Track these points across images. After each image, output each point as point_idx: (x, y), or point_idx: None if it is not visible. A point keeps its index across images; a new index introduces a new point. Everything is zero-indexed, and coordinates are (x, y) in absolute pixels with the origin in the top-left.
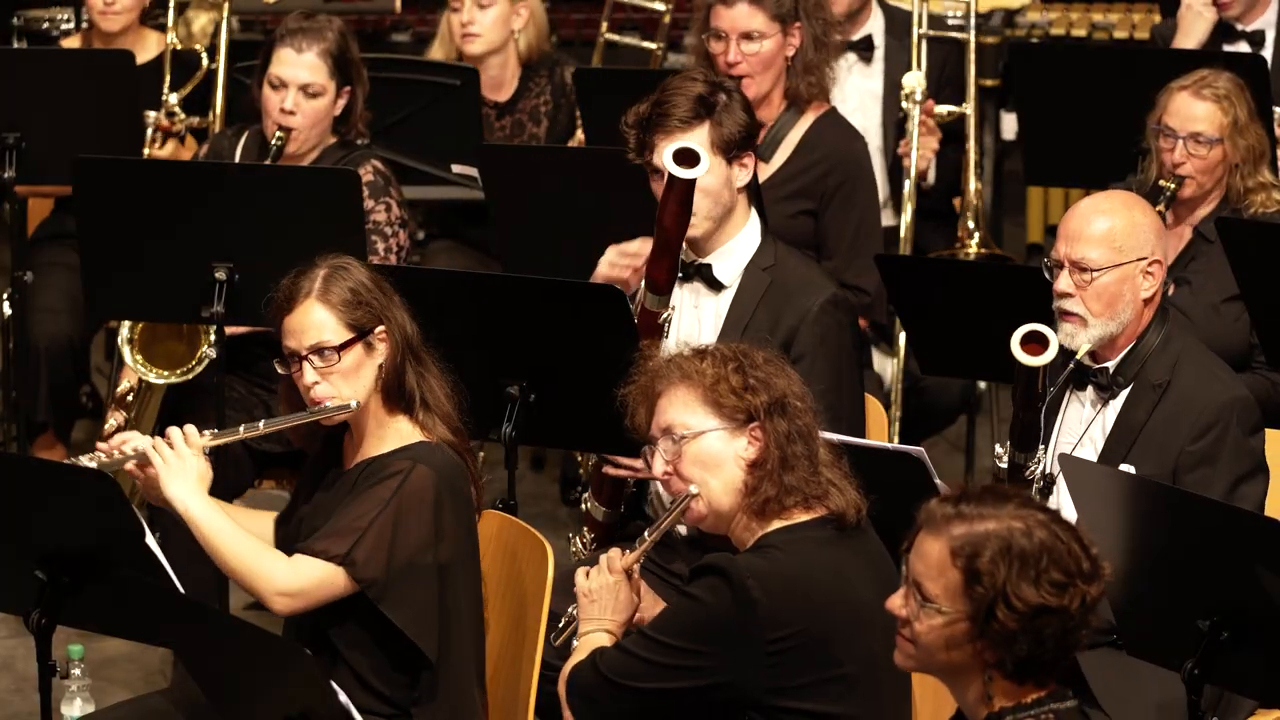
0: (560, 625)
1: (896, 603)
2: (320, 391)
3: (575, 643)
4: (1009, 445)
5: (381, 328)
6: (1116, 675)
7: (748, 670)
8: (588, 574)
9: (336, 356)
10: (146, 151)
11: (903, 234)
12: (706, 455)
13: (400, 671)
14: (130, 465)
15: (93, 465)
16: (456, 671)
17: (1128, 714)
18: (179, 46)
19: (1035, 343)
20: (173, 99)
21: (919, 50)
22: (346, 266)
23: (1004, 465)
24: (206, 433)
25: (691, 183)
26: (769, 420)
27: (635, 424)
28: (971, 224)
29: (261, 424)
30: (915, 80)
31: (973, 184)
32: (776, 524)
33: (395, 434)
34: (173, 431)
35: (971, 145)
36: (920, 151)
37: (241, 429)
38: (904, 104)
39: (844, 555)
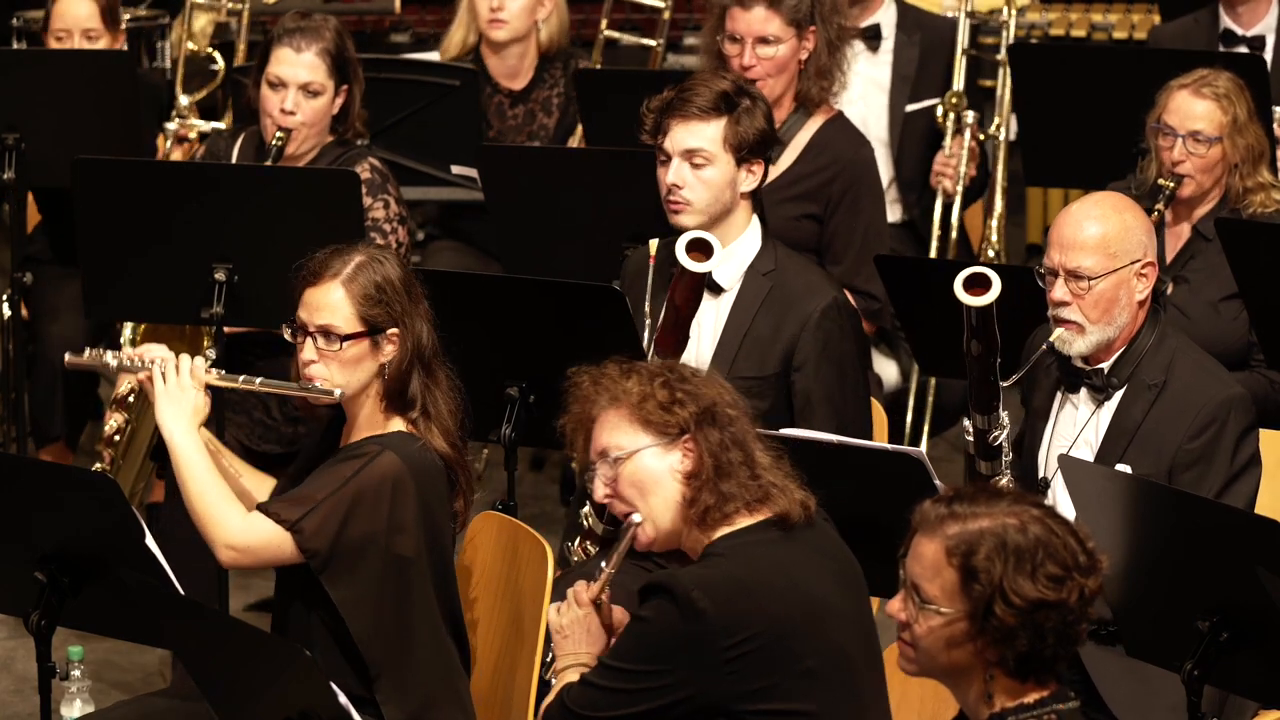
0: (547, 660)
1: (895, 606)
2: (313, 370)
3: (553, 680)
4: (971, 411)
5: (395, 330)
6: (1126, 678)
7: (709, 681)
8: (559, 610)
9: (339, 344)
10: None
11: (934, 243)
12: (643, 473)
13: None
14: (141, 376)
15: (114, 364)
16: (428, 661)
17: (1142, 715)
18: (193, 48)
19: (978, 286)
20: (184, 101)
21: (960, 68)
22: (383, 260)
23: (971, 439)
24: (214, 370)
25: (703, 276)
26: (700, 431)
27: (576, 454)
28: (992, 254)
29: (258, 381)
30: (963, 104)
31: (998, 206)
32: (722, 531)
33: (382, 428)
34: (182, 358)
35: (1001, 170)
36: (962, 175)
37: (240, 380)
38: (940, 116)
39: (793, 553)
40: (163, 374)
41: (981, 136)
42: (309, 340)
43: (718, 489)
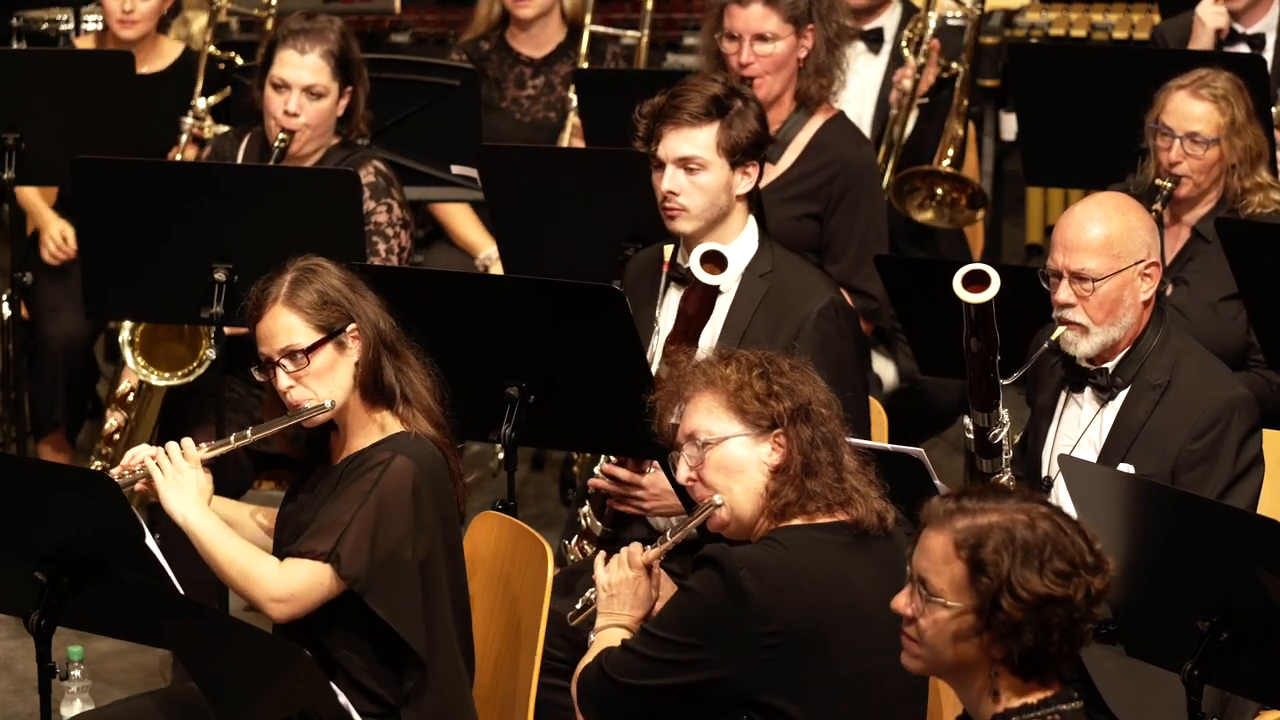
0: (578, 607)
1: (901, 601)
2: (296, 395)
3: (592, 637)
4: (971, 408)
5: (352, 326)
6: (1126, 678)
7: (742, 663)
8: (607, 566)
9: (306, 360)
10: (179, 157)
11: (882, 151)
12: (730, 461)
13: (388, 668)
14: (140, 485)
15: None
16: (444, 666)
17: (1142, 715)
18: (214, 51)
19: (977, 283)
20: (201, 104)
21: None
22: (314, 268)
23: (971, 436)
24: (203, 445)
25: (715, 288)
26: (793, 426)
27: (662, 430)
28: (951, 152)
29: (249, 431)
30: (926, 30)
31: (957, 128)
32: (793, 522)
33: (378, 428)
34: (171, 446)
35: (956, 95)
36: (918, 76)
37: (232, 438)
38: (904, 44)
39: (856, 559)
40: (159, 466)
41: (941, 61)
42: (279, 369)
43: (803, 486)
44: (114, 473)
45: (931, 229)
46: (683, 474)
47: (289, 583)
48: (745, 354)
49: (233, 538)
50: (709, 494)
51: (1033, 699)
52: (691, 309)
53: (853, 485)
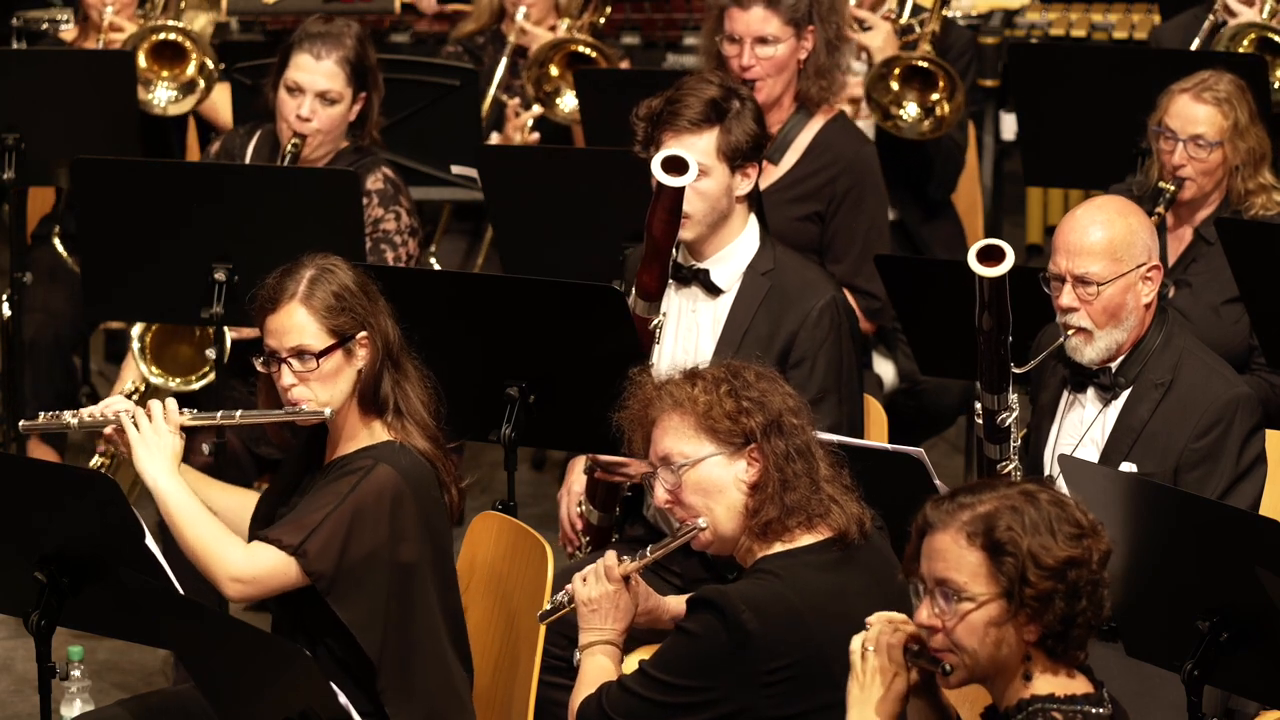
0: (547, 607)
1: (924, 617)
2: (297, 394)
3: (578, 655)
4: (980, 390)
5: (364, 334)
6: (1126, 678)
7: (748, 700)
8: (585, 580)
9: (315, 362)
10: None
11: None
12: (707, 482)
13: (363, 670)
14: (109, 430)
15: (74, 422)
16: (435, 669)
17: (1142, 715)
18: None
19: (991, 258)
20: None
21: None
22: (333, 269)
23: (980, 421)
24: (186, 411)
25: (680, 190)
26: (766, 441)
27: (632, 450)
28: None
29: (238, 413)
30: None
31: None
32: (778, 546)
33: (367, 435)
34: (153, 404)
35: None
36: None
37: (219, 415)
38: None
39: (846, 576)
40: (135, 422)
41: (896, 18)
42: (284, 366)
43: (782, 502)
44: (84, 412)
45: (923, 226)
46: (660, 497)
47: (253, 565)
48: (710, 371)
49: (201, 509)
50: (688, 515)
51: (1061, 693)
52: (658, 225)
53: (829, 494)
